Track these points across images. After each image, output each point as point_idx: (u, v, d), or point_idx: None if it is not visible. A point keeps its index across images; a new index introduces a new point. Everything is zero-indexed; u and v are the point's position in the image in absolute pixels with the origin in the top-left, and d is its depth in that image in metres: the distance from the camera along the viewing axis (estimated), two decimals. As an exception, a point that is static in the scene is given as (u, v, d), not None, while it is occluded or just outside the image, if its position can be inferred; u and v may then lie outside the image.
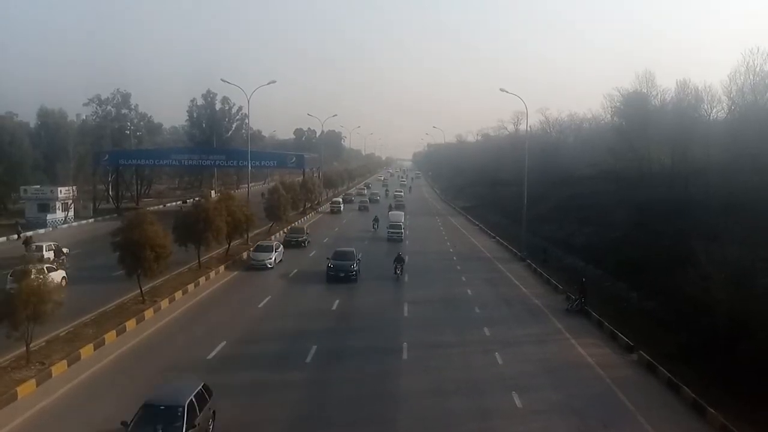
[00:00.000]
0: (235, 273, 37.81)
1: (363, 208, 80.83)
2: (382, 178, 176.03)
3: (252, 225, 44.55)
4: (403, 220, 57.74)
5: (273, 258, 39.42)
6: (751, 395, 18.66)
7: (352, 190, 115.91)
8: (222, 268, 37.84)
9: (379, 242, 52.90)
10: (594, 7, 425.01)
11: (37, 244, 39.32)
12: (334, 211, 77.08)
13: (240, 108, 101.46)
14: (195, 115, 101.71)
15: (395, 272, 37.09)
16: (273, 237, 50.44)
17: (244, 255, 41.86)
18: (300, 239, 48.54)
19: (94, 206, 67.20)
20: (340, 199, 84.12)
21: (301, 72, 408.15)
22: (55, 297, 20.04)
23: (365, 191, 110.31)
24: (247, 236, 46.07)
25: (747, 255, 24.56)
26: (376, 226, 59.33)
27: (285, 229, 54.84)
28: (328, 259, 36.73)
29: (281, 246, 42.82)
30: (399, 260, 37.58)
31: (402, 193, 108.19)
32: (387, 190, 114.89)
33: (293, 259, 42.37)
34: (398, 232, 54.04)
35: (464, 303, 32.68)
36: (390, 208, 71.99)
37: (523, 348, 25.31)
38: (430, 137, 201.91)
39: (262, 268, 38.46)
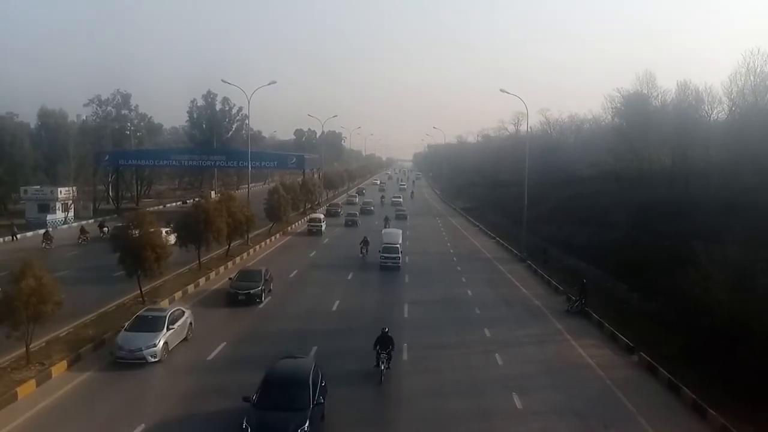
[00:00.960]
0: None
1: (351, 223, 64.27)
2: (378, 182, 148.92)
3: (252, 226, 44.56)
4: (400, 241, 43.81)
5: (159, 344, 21.46)
6: (751, 396, 18.66)
7: (340, 199, 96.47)
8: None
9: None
10: (594, 9, 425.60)
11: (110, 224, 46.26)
12: (313, 231, 56.51)
13: (240, 108, 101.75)
14: (195, 115, 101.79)
15: (378, 363, 20.89)
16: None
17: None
18: (253, 291, 29.51)
19: (94, 207, 67.24)
20: (321, 216, 61.22)
21: (301, 73, 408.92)
22: (55, 297, 20.05)
23: (356, 199, 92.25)
24: (248, 237, 46.07)
25: (748, 255, 24.59)
26: (364, 251, 44.30)
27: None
28: (247, 402, 16.07)
29: (185, 314, 24.17)
30: (384, 343, 21.19)
31: (401, 199, 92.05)
32: (383, 197, 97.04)
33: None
34: (394, 258, 40.78)
35: (464, 304, 32.65)
36: (386, 222, 60.58)
37: (524, 349, 25.28)
38: (430, 138, 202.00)
39: (139, 362, 21.01)
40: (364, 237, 45.53)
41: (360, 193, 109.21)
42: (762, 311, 20.72)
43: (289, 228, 58.78)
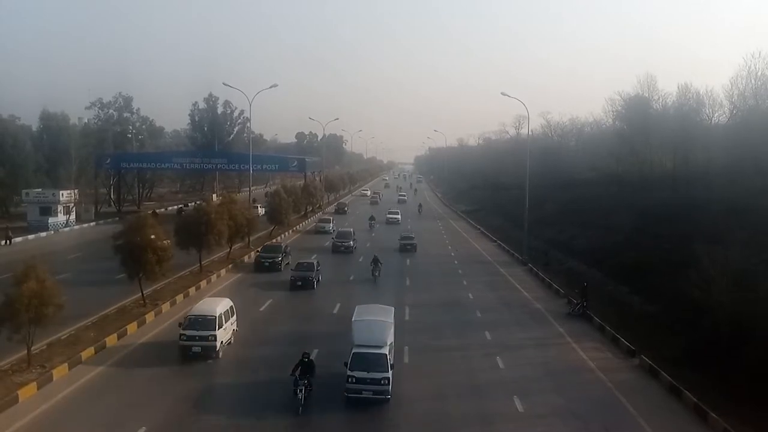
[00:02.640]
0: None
1: (301, 282, 34.10)
2: (368, 193, 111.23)
3: (253, 228, 44.54)
4: (389, 339, 20.68)
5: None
6: (753, 399, 18.63)
7: (309, 224, 64.87)
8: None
9: None
10: (595, 11, 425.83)
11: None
12: (195, 356, 22.21)
13: (242, 111, 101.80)
14: (197, 118, 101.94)
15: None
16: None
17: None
18: None
19: (96, 209, 67.33)
20: (221, 308, 23.66)
21: (302, 76, 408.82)
22: (57, 300, 20.08)
23: (329, 225, 59.68)
24: (249, 239, 46.07)
25: (749, 258, 24.55)
26: (302, 390, 18.24)
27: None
28: None
29: None
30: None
31: (398, 216, 70.00)
32: (372, 220, 65.21)
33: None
34: (376, 382, 18.87)
35: (465, 307, 32.63)
36: (374, 267, 37.21)
37: (525, 352, 25.26)
38: (431, 141, 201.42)
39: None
40: (302, 357, 19.02)
41: (341, 210, 79.15)
42: (764, 313, 20.69)
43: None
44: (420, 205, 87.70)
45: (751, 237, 26.83)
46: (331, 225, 60.13)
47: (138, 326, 25.78)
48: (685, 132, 52.69)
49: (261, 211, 53.35)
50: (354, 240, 48.92)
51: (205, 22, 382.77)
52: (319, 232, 58.70)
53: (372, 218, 65.79)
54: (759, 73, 50.44)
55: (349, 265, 42.85)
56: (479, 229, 69.83)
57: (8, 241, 46.46)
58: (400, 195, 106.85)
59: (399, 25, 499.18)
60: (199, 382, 20.23)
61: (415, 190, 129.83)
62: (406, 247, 48.50)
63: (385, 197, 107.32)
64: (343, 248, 47.28)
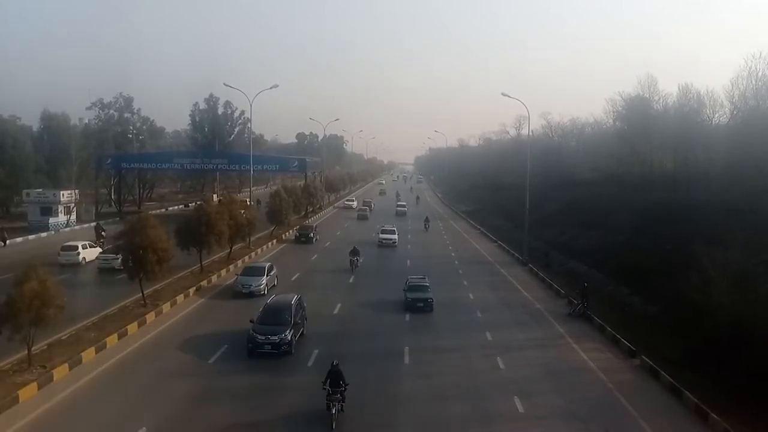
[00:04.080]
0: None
1: None
2: (354, 204, 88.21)
3: (253, 229, 44.54)
4: None
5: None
6: (753, 399, 18.64)
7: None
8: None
9: None
10: (596, 12, 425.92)
11: None
12: None
13: (242, 112, 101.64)
14: (197, 119, 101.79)
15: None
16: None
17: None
18: None
19: (97, 210, 67.25)
20: None
21: (303, 76, 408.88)
22: (58, 301, 20.09)
23: (259, 281, 32.04)
24: (249, 240, 46.09)
25: (750, 258, 24.57)
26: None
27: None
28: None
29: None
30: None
31: (395, 236, 52.82)
32: (355, 257, 40.76)
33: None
34: None
35: (466, 307, 32.63)
36: (332, 411, 17.02)
37: (525, 352, 25.26)
38: (432, 141, 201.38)
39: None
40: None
41: (304, 237, 52.08)
42: (764, 314, 20.70)
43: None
44: (426, 219, 68.55)
45: (751, 238, 26.81)
46: (263, 280, 32.56)
47: (138, 326, 25.78)
48: (686, 133, 52.66)
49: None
50: (297, 324, 24.43)
51: (205, 22, 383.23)
52: (241, 294, 31.79)
53: (355, 252, 41.25)
54: (759, 74, 50.39)
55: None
56: (480, 229, 69.83)
57: (4, 243, 46.18)
58: (399, 205, 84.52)
59: (399, 26, 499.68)
60: (199, 382, 20.23)
61: (417, 197, 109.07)
62: (417, 305, 30.92)
63: (379, 207, 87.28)
64: (269, 347, 22.66)
